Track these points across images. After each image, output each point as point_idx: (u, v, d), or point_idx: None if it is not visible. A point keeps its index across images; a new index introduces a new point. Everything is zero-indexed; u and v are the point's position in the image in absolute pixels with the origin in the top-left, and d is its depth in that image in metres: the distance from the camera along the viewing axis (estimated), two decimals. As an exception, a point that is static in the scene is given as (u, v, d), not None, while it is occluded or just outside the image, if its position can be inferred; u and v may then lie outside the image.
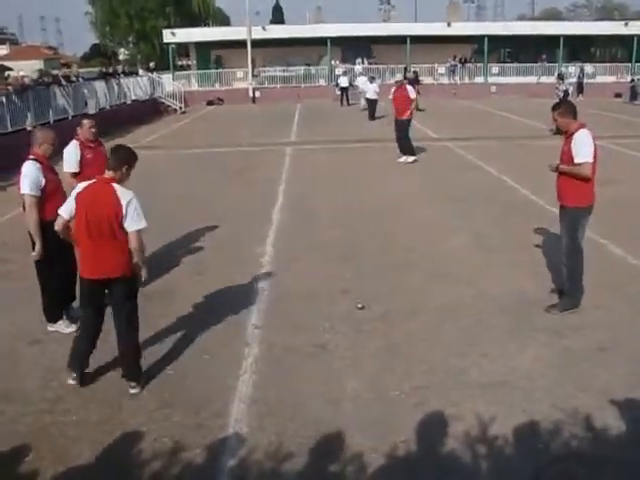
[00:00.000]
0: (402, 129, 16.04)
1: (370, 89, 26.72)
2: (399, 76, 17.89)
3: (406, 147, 16.12)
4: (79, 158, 7.16)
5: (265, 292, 7.46)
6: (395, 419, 4.77)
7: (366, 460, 4.30)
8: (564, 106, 6.59)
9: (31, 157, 6.23)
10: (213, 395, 5.18)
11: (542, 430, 4.57)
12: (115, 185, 5.07)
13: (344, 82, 34.03)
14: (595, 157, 6.36)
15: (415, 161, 15.90)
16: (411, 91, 16.21)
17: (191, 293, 7.43)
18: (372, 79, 28.08)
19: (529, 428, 4.61)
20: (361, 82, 30.52)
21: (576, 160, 6.33)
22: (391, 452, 4.39)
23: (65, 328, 6.45)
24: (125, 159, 5.18)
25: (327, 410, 4.92)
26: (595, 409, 4.79)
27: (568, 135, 6.48)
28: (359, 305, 6.86)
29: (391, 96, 16.41)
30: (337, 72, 39.88)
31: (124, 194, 5.05)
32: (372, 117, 26.48)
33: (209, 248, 9.21)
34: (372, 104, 26.68)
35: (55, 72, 25.32)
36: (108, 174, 5.13)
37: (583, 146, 6.31)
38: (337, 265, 8.34)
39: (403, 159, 15.95)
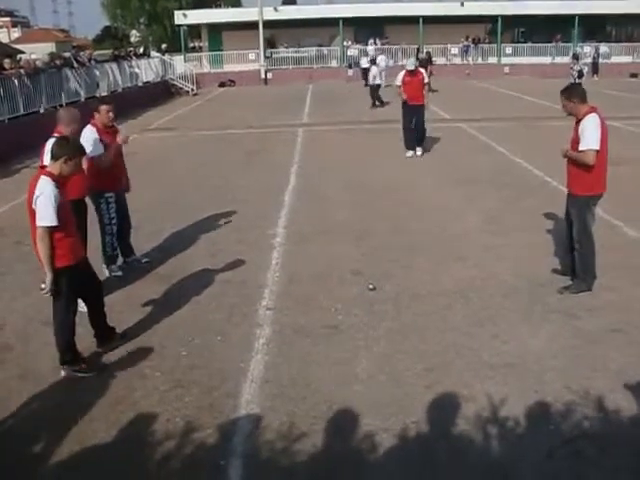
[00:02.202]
0: (423, 114, 14.32)
1: (372, 73, 24.29)
2: (412, 62, 14.56)
3: (423, 134, 14.63)
4: (99, 143, 7.04)
5: (277, 274, 7.48)
6: (406, 400, 4.78)
7: (377, 440, 4.32)
8: (571, 90, 6.54)
9: (55, 135, 6.25)
10: (225, 376, 5.21)
11: (554, 411, 4.57)
12: (43, 177, 5.00)
13: (365, 63, 33.03)
14: (604, 142, 6.28)
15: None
16: (425, 74, 14.45)
17: (204, 274, 7.47)
18: (373, 62, 26.62)
19: (541, 409, 4.60)
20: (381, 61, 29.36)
21: (580, 147, 6.29)
22: (402, 433, 4.40)
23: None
24: (64, 151, 5.09)
25: (338, 391, 4.94)
26: (607, 391, 4.77)
27: (577, 120, 6.43)
28: (370, 286, 6.87)
29: (399, 82, 14.21)
30: (349, 53, 39.71)
31: (40, 188, 4.95)
32: (375, 104, 23.96)
33: (221, 230, 9.23)
34: (374, 90, 24.09)
35: (67, 54, 25.26)
36: (48, 164, 5.15)
37: (588, 133, 6.23)
38: (348, 247, 8.34)
39: (420, 151, 14.44)
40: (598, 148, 6.22)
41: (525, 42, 42.64)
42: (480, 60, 41.42)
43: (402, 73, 14.31)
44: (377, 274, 7.28)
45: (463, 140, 16.41)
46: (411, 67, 14.11)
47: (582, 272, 6.66)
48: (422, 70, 14.44)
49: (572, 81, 19.41)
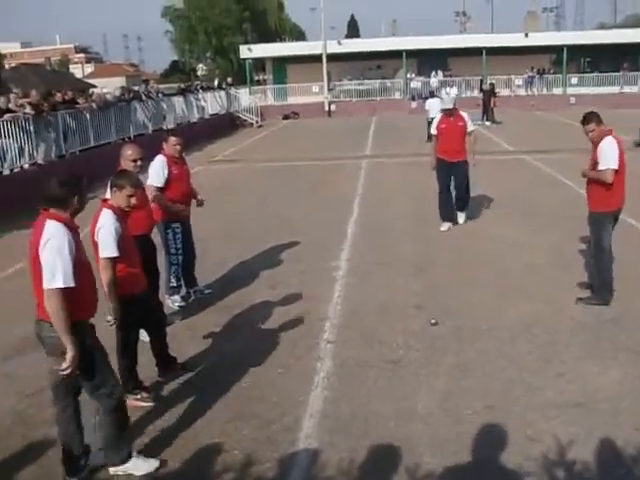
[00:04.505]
0: (464, 176, 10.92)
1: (433, 106, 21.23)
2: (451, 99, 11.26)
3: (465, 201, 11.22)
4: (166, 173, 7.23)
5: (338, 306, 7.45)
6: (468, 438, 4.66)
7: (438, 480, 4.22)
8: (593, 117, 6.89)
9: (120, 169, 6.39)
10: (284, 409, 5.19)
11: (624, 455, 4.38)
12: (104, 210, 5.07)
13: (444, 94, 31.15)
14: (621, 162, 6.70)
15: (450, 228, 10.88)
16: (468, 121, 10.74)
17: (265, 307, 7.50)
18: (432, 94, 25.83)
19: (610, 452, 4.43)
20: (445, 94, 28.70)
21: (600, 167, 6.74)
22: (463, 472, 4.30)
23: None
24: (114, 182, 5.18)
25: (399, 427, 4.86)
26: (681, 434, 4.57)
27: (597, 143, 6.85)
28: (432, 321, 6.77)
29: (435, 131, 10.84)
30: (412, 85, 39.91)
31: (101, 220, 5.05)
32: (430, 138, 22.90)
33: (284, 262, 9.27)
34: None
35: (136, 88, 26.06)
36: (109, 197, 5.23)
37: (607, 153, 6.69)
38: (411, 279, 8.27)
39: (462, 219, 11.16)
40: (617, 167, 6.65)
41: (591, 72, 41.96)
42: (545, 91, 40.95)
43: (438, 117, 11.06)
44: (439, 308, 7.19)
45: (527, 172, 16.17)
46: (449, 105, 10.76)
47: (598, 285, 7.12)
48: (464, 115, 10.77)
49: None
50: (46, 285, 3.95)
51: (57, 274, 3.94)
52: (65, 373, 4.05)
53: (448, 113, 10.67)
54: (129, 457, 4.46)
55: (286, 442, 4.73)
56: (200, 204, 7.71)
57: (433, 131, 10.94)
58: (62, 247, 3.97)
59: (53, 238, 3.98)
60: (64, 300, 3.95)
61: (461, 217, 11.13)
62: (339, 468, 4.39)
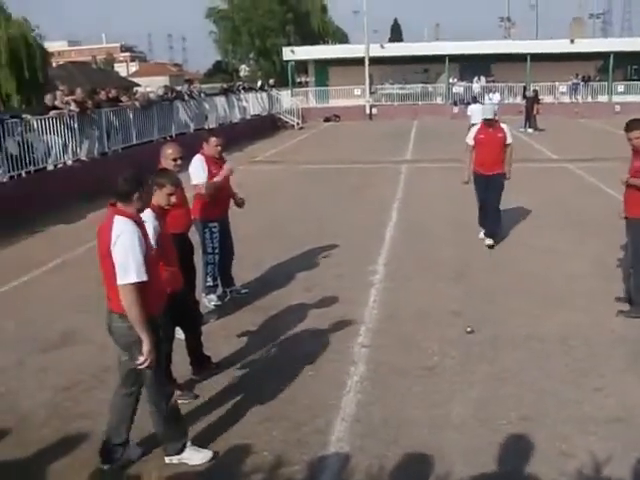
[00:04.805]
0: (500, 190, 10.15)
1: (475, 112, 20.41)
2: (490, 109, 10.65)
3: (496, 219, 10.27)
4: (206, 172, 7.28)
5: (374, 311, 7.42)
6: (501, 449, 4.59)
7: (469, 490, 4.17)
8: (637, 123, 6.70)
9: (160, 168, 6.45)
10: (316, 412, 5.18)
11: (663, 473, 4.28)
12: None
13: (496, 99, 29.66)
14: None
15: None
16: (508, 132, 10.09)
17: (300, 309, 7.50)
18: (474, 99, 25.41)
19: (648, 469, 4.33)
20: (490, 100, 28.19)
21: None
22: (497, 484, 4.23)
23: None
24: (155, 181, 5.01)
25: (431, 435, 4.81)
26: None
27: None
28: (468, 329, 6.69)
29: (472, 141, 10.14)
30: (454, 90, 39.66)
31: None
32: None
33: (320, 264, 9.26)
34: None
35: (179, 88, 26.31)
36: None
37: None
38: (449, 285, 8.20)
39: (490, 241, 10.04)
40: None
41: (638, 79, 41.19)
42: (589, 98, 40.30)
43: (475, 128, 10.48)
44: (477, 314, 7.11)
45: (570, 181, 15.92)
46: (489, 115, 10.14)
47: (638, 297, 6.84)
48: (504, 126, 10.15)
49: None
50: (120, 281, 4.04)
51: (130, 269, 4.02)
52: (142, 367, 4.15)
53: (488, 123, 10.08)
54: (184, 448, 4.56)
55: (317, 445, 4.72)
56: (239, 204, 7.71)
57: (470, 141, 10.19)
58: (133, 242, 4.06)
59: (123, 234, 4.05)
60: (139, 295, 4.04)
61: (489, 241, 10.05)
62: (369, 473, 4.36)
